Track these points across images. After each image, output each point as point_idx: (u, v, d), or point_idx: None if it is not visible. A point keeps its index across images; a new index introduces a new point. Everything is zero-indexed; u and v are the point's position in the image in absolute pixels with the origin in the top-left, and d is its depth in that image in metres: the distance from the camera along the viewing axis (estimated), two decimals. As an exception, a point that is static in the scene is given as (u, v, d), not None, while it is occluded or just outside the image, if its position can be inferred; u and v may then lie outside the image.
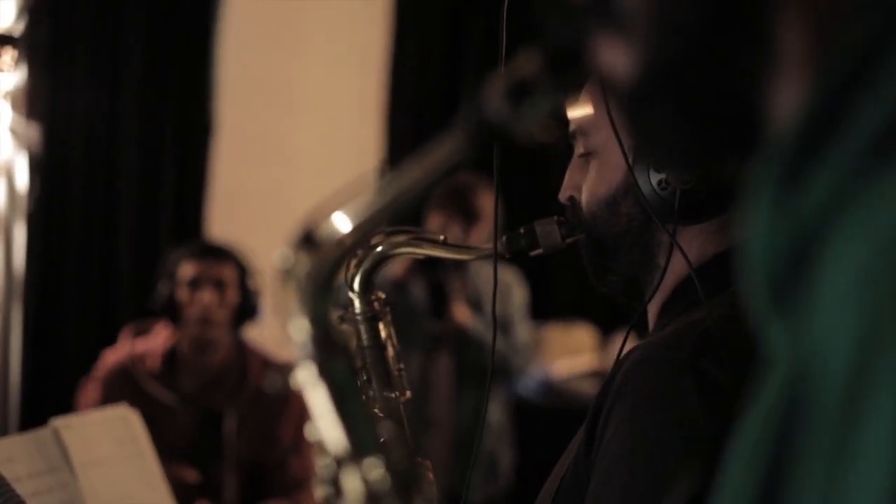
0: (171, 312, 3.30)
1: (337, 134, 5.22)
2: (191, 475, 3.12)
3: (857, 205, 0.51)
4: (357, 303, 1.39)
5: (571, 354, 4.63)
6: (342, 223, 0.79)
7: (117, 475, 2.11)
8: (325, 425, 0.78)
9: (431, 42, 5.52)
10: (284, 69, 5.15)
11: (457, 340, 3.67)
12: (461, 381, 3.71)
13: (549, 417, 4.18)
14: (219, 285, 3.27)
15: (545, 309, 4.63)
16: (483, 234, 3.59)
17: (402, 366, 1.41)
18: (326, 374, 0.78)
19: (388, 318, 1.41)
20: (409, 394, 1.41)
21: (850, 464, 0.47)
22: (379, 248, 1.38)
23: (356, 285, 1.38)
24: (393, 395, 1.39)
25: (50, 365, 4.27)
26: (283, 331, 0.77)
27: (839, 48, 0.54)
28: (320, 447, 0.78)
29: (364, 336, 1.38)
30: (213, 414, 3.26)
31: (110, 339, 3.55)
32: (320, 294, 0.78)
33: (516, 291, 3.85)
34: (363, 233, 0.79)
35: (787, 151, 0.55)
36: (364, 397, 0.78)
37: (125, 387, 3.20)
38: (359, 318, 1.38)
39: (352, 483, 0.77)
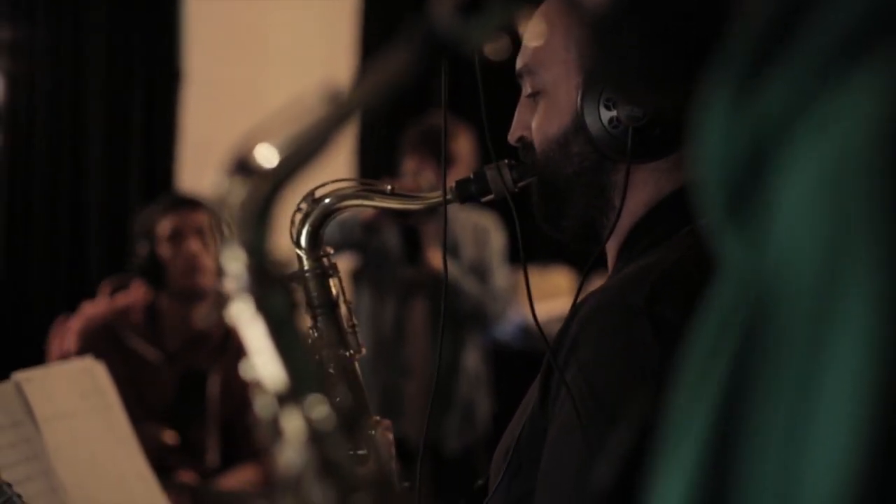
0: (152, 272, 3.19)
1: (308, 81, 5.16)
2: (169, 437, 3.06)
3: (818, 108, 0.48)
4: (305, 260, 1.34)
5: (548, 298, 4.61)
6: (280, 148, 0.74)
7: (82, 428, 2.07)
8: (263, 362, 0.73)
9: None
10: (254, 16, 5.07)
11: (432, 286, 3.63)
12: (437, 327, 3.68)
13: (527, 362, 4.16)
14: (200, 233, 3.18)
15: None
16: (458, 177, 3.54)
17: (355, 322, 1.37)
18: (263, 307, 0.73)
19: (339, 274, 1.36)
20: (364, 351, 1.37)
21: (821, 376, 0.44)
22: (325, 202, 1.34)
23: (303, 241, 1.34)
24: (347, 354, 1.35)
25: (18, 322, 4.21)
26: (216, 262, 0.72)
27: None
28: (258, 386, 0.74)
29: (314, 294, 1.33)
30: (196, 373, 3.19)
31: (80, 292, 3.49)
32: (257, 222, 0.73)
33: (494, 237, 3.81)
34: (305, 157, 0.74)
35: (745, 54, 0.52)
36: (305, 335, 0.73)
37: (107, 341, 3.12)
38: (308, 275, 1.33)
39: (293, 422, 0.72)
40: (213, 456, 3.18)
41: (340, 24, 5.36)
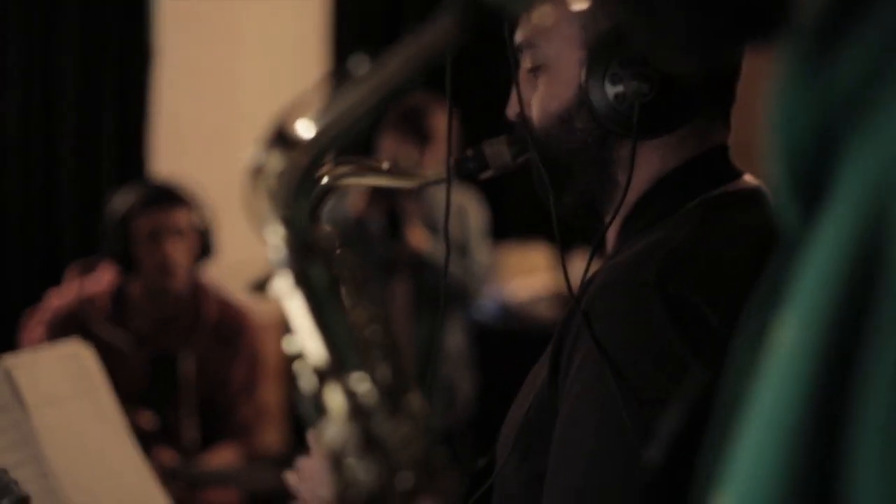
0: (125, 261, 3.17)
1: (281, 62, 5.13)
2: (147, 421, 3.04)
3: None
4: None
5: (527, 274, 4.61)
6: (316, 119, 0.72)
7: (71, 412, 2.05)
8: (305, 337, 0.72)
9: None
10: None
11: (413, 265, 3.61)
12: (418, 306, 3.66)
13: (507, 340, 4.16)
14: (179, 233, 3.15)
15: (499, 229, 4.59)
16: (437, 155, 3.53)
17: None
18: (304, 281, 0.72)
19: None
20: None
21: None
22: (324, 181, 1.31)
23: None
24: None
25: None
26: (257, 236, 0.71)
27: None
28: (300, 361, 0.72)
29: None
30: (167, 356, 3.18)
31: (53, 274, 3.44)
32: (297, 194, 0.72)
33: (473, 214, 3.79)
34: (344, 128, 0.72)
35: (818, 24, 0.50)
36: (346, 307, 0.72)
37: (75, 331, 3.09)
38: None
39: (335, 398, 0.71)
40: (191, 436, 3.16)
41: (314, 4, 5.32)
